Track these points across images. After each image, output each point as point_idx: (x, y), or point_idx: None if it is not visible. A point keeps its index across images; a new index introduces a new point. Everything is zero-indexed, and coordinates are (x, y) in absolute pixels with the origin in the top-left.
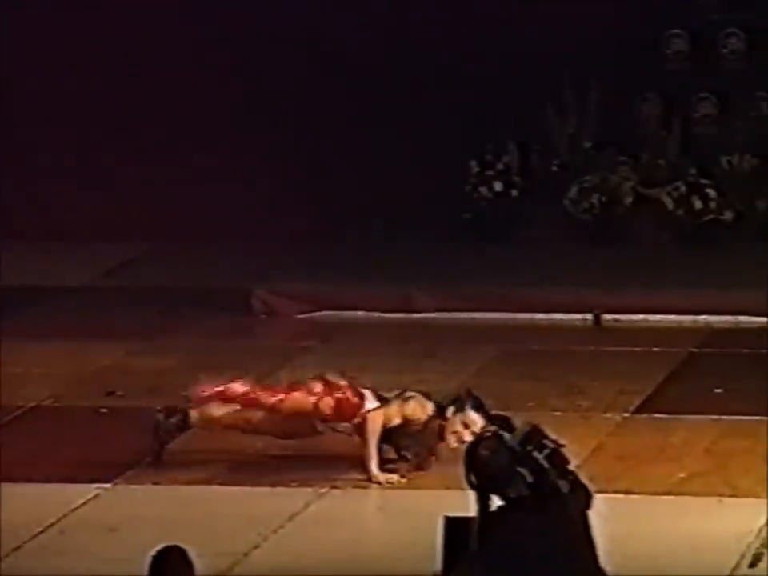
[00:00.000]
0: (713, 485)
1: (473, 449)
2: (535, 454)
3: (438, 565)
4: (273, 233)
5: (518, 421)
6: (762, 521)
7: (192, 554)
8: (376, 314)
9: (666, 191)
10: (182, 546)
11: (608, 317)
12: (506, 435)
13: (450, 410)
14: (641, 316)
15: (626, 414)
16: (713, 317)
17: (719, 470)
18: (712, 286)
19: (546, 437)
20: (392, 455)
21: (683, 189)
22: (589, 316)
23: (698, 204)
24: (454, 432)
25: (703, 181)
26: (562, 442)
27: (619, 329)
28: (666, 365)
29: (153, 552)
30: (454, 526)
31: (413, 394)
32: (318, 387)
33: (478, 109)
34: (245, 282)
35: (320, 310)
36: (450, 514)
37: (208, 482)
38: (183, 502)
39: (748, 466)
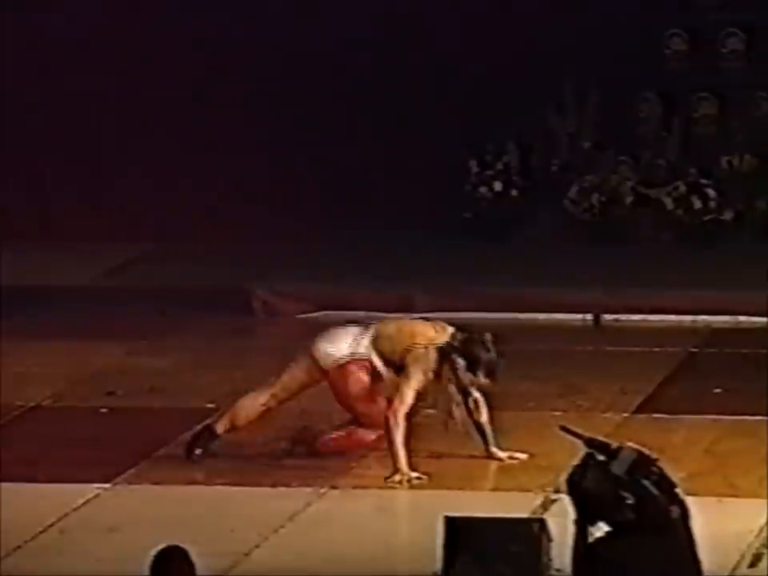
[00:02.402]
0: (713, 485)
1: (576, 479)
2: (644, 482)
3: (438, 565)
4: (273, 233)
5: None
6: (762, 521)
7: (193, 553)
8: (376, 315)
9: (665, 191)
10: (183, 545)
11: (608, 317)
12: (611, 463)
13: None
14: (640, 316)
15: (626, 414)
16: (713, 317)
17: (719, 470)
18: (712, 286)
19: (652, 462)
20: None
21: (683, 189)
22: (588, 316)
23: (698, 204)
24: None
25: (703, 181)
26: (654, 456)
27: (619, 329)
28: (665, 365)
29: (153, 552)
30: (454, 525)
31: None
32: None
33: (477, 108)
34: (245, 282)
35: (320, 310)
36: (450, 514)
37: (208, 481)
38: (184, 501)
39: (748, 466)
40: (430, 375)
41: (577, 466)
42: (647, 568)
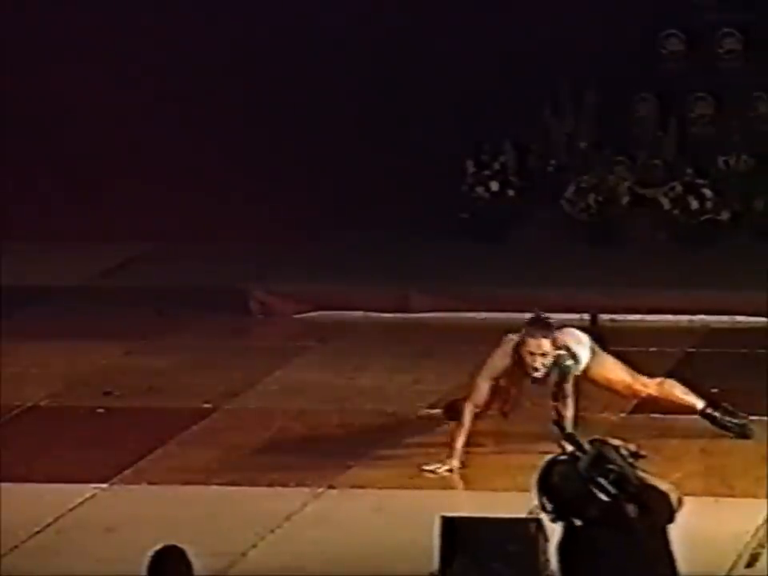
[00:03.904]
0: (709, 485)
1: (545, 474)
2: (601, 480)
3: (435, 565)
4: (270, 233)
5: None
6: (759, 520)
7: (190, 553)
8: (373, 314)
9: (662, 191)
10: (180, 545)
11: (604, 316)
12: (578, 459)
13: (518, 345)
14: (637, 316)
15: (623, 414)
16: (710, 317)
17: (716, 469)
18: (709, 286)
19: (612, 459)
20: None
21: (680, 189)
22: (586, 316)
23: (695, 204)
24: (529, 365)
25: (700, 181)
26: (641, 452)
27: (616, 329)
28: (662, 365)
29: (151, 552)
30: (452, 525)
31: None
32: None
33: (474, 109)
34: (242, 282)
35: (317, 310)
36: (447, 514)
37: (205, 481)
38: (180, 501)
39: (745, 466)
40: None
41: (549, 463)
42: (605, 564)
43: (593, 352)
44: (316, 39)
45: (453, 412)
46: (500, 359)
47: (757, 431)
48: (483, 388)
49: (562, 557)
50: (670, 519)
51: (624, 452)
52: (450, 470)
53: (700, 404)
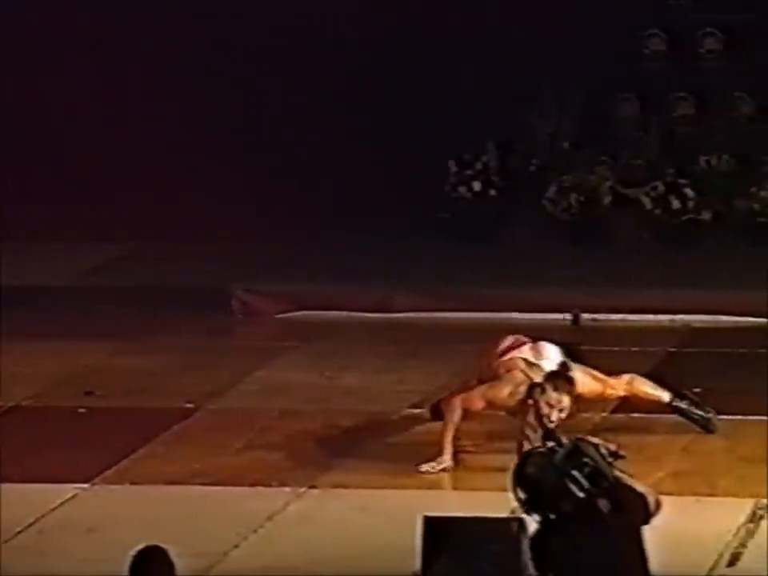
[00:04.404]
0: (691, 484)
1: (521, 465)
2: (575, 473)
3: (418, 564)
4: (253, 233)
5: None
6: (741, 520)
7: (172, 553)
8: (356, 314)
9: (644, 191)
10: (162, 545)
11: (586, 316)
12: (554, 454)
13: (537, 392)
14: (619, 315)
15: (605, 414)
16: (691, 316)
17: (698, 469)
18: (690, 286)
19: (588, 454)
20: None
21: (661, 188)
22: (567, 315)
23: (677, 204)
24: (544, 414)
25: (681, 180)
26: (621, 452)
27: (598, 328)
28: (644, 364)
29: (133, 552)
30: (434, 525)
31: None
32: None
33: (456, 109)
34: (225, 282)
35: (300, 310)
36: (429, 514)
37: (187, 481)
38: (162, 501)
39: (726, 466)
40: (510, 398)
41: (525, 456)
42: (579, 560)
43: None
44: (300, 42)
45: (439, 412)
46: (509, 393)
47: (721, 427)
48: (478, 405)
49: (536, 551)
50: (646, 521)
51: (603, 450)
52: (445, 469)
53: (667, 397)
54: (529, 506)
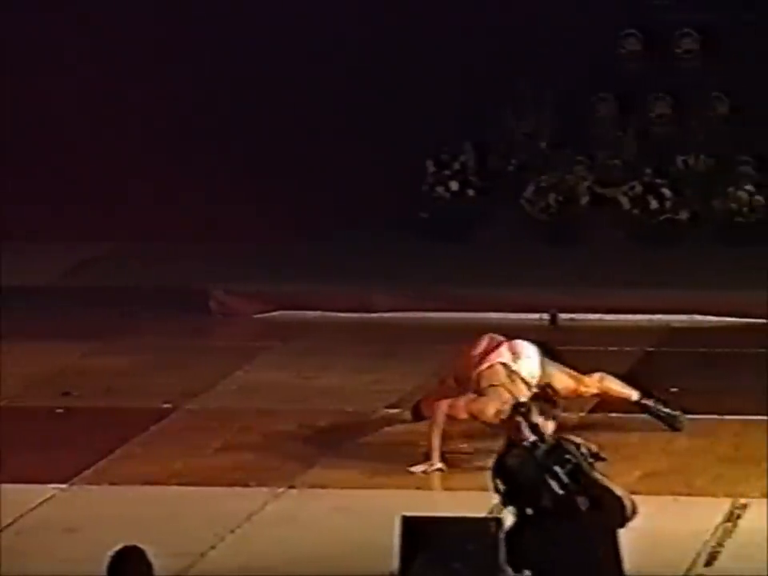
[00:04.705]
0: (669, 484)
1: (503, 457)
2: (556, 469)
3: (395, 564)
4: (230, 233)
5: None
6: (718, 519)
7: (150, 554)
8: (334, 314)
9: (622, 191)
10: (140, 546)
11: (564, 316)
12: (535, 449)
13: (521, 413)
14: (597, 315)
15: (582, 414)
16: (669, 316)
17: (675, 468)
18: (668, 286)
19: (570, 452)
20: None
21: (639, 188)
22: (545, 315)
23: (654, 203)
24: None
25: (659, 180)
26: (602, 455)
27: (575, 328)
28: (622, 364)
29: (111, 552)
30: (412, 525)
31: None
32: None
33: (434, 109)
34: (203, 282)
35: (278, 310)
36: (407, 514)
37: (165, 482)
38: (140, 501)
39: (704, 465)
40: (495, 417)
41: (506, 449)
42: (553, 555)
43: (542, 366)
44: (278, 41)
45: (420, 413)
46: (494, 412)
47: (699, 426)
48: (462, 414)
49: (511, 545)
50: (622, 523)
51: (584, 450)
52: (439, 469)
53: (635, 395)
54: (507, 497)
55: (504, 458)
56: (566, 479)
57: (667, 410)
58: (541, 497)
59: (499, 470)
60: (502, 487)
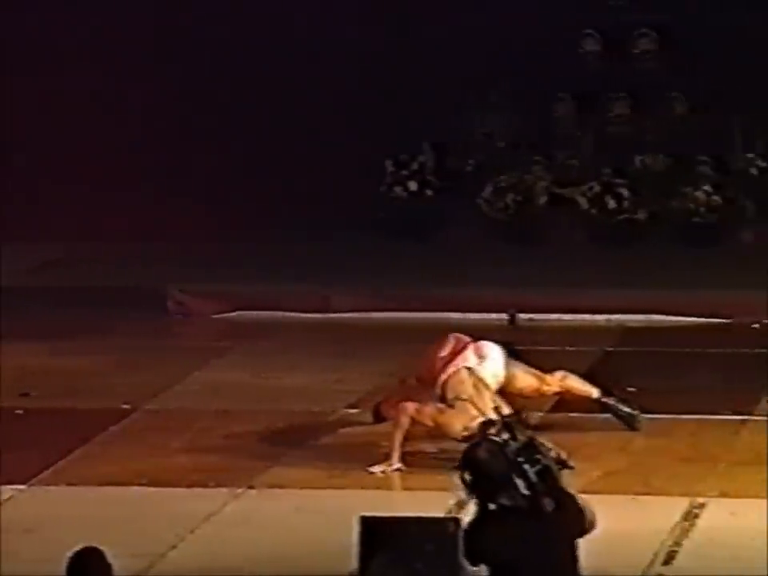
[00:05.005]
0: (628, 483)
1: (473, 448)
2: (526, 467)
3: (354, 564)
4: (188, 233)
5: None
6: (676, 518)
7: (109, 554)
8: (293, 314)
9: (580, 191)
10: (99, 546)
11: (523, 316)
12: (507, 444)
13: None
14: (556, 315)
15: (541, 414)
16: (627, 316)
17: (633, 467)
18: (626, 286)
19: (542, 452)
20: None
21: (597, 188)
22: (504, 315)
23: (612, 203)
24: None
25: (617, 180)
26: (570, 463)
27: (534, 328)
28: (580, 364)
29: (70, 553)
30: (370, 525)
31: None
32: None
33: (392, 108)
34: (161, 282)
35: (237, 311)
36: (366, 514)
37: (125, 482)
38: (100, 502)
39: (662, 464)
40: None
41: (478, 440)
42: (509, 551)
43: (506, 366)
44: (234, 40)
45: (381, 414)
46: (461, 428)
47: (657, 426)
48: (428, 422)
49: (470, 538)
50: (581, 533)
51: (554, 455)
52: (398, 470)
53: (595, 393)
54: (471, 489)
55: (475, 449)
56: (534, 478)
57: (627, 410)
58: (506, 493)
59: (468, 461)
60: (468, 478)
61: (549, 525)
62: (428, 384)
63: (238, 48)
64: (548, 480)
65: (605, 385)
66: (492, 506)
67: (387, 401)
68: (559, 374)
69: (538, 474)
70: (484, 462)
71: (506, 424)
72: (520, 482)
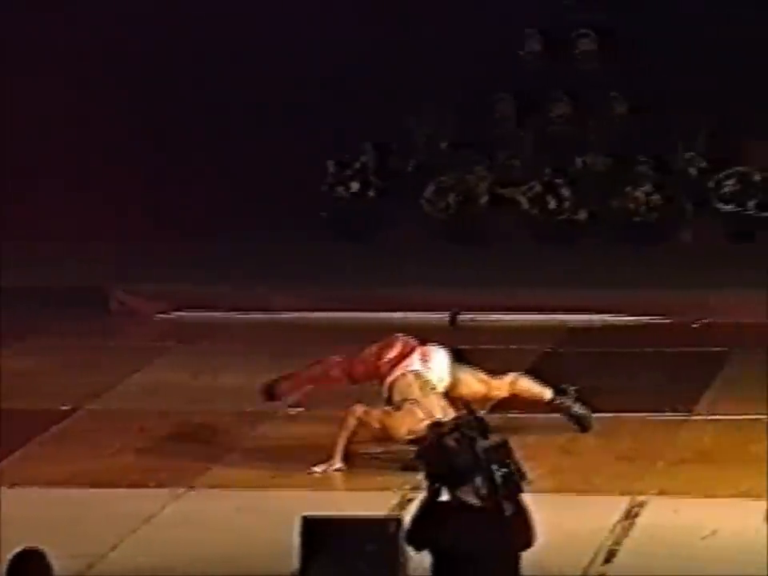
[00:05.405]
0: (568, 482)
1: (440, 437)
2: (493, 467)
3: (296, 564)
4: (130, 233)
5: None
6: (617, 517)
7: (50, 555)
8: (234, 314)
9: (521, 191)
10: (40, 547)
11: (464, 316)
12: (478, 438)
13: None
14: (497, 315)
15: (483, 412)
16: (568, 315)
17: (575, 467)
18: (567, 285)
19: (512, 457)
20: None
21: (538, 188)
22: (445, 315)
23: (553, 203)
24: None
25: (558, 180)
26: (528, 477)
27: (475, 327)
28: (521, 363)
29: (10, 555)
30: (311, 525)
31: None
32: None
33: (334, 109)
34: (102, 281)
35: (178, 310)
36: (307, 514)
37: (65, 483)
38: (40, 503)
39: (603, 463)
40: (405, 437)
41: (447, 429)
42: (454, 538)
43: (452, 371)
44: (172, 39)
45: (271, 392)
46: (406, 432)
47: (596, 425)
48: (375, 425)
49: (418, 523)
50: (526, 546)
51: (516, 465)
52: (339, 469)
53: (548, 394)
54: (430, 474)
55: (446, 437)
56: (498, 480)
57: (581, 411)
58: (464, 487)
59: (435, 446)
60: (431, 461)
61: (500, 527)
62: (361, 382)
63: (178, 46)
64: (510, 485)
65: (555, 385)
66: (445, 497)
67: (284, 380)
68: (509, 377)
69: (503, 477)
70: (451, 451)
71: (480, 421)
72: (480, 481)
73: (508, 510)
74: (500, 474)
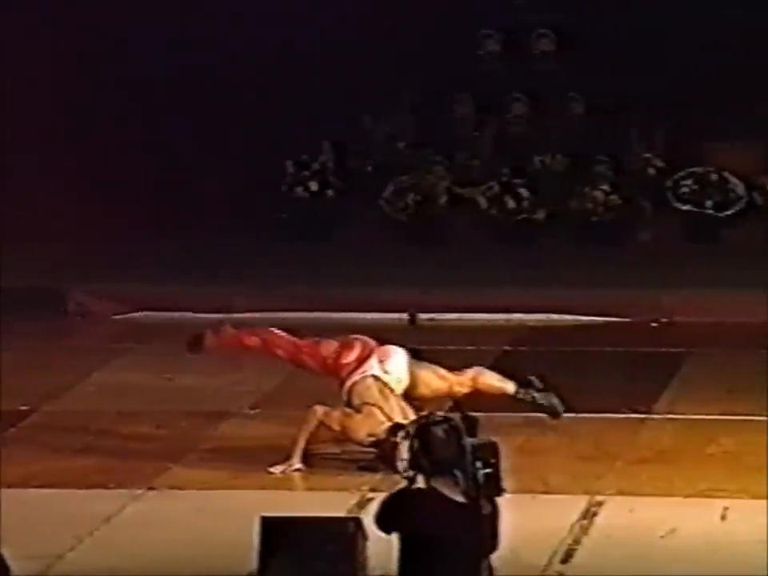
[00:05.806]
0: (526, 482)
1: (429, 426)
2: (478, 465)
3: (254, 564)
4: (88, 232)
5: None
6: (575, 517)
7: (7, 556)
8: (194, 315)
9: (479, 191)
10: None
11: (423, 316)
12: (466, 434)
13: (400, 435)
14: (455, 315)
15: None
16: (526, 315)
17: (532, 466)
18: (525, 285)
19: (498, 459)
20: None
21: (497, 188)
22: (404, 315)
23: (511, 203)
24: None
25: (516, 180)
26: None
27: (434, 327)
28: (479, 363)
29: None
30: (270, 525)
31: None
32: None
33: (292, 109)
34: (59, 282)
35: (137, 311)
36: (266, 514)
37: (23, 484)
38: None
39: (560, 463)
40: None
41: (438, 419)
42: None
43: (411, 370)
44: (135, 37)
45: (197, 345)
46: (365, 433)
47: (554, 424)
48: (335, 426)
49: (390, 506)
50: (491, 549)
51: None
52: (298, 470)
53: (511, 388)
54: (412, 459)
55: (434, 426)
56: (481, 479)
57: (547, 400)
58: (443, 479)
59: (422, 433)
60: (416, 447)
61: (473, 522)
62: (306, 370)
63: (134, 46)
64: (492, 486)
65: (519, 377)
66: (420, 484)
67: (213, 335)
68: (471, 373)
69: (486, 476)
70: (437, 441)
71: (470, 419)
72: (460, 475)
73: (486, 509)
74: (483, 473)
